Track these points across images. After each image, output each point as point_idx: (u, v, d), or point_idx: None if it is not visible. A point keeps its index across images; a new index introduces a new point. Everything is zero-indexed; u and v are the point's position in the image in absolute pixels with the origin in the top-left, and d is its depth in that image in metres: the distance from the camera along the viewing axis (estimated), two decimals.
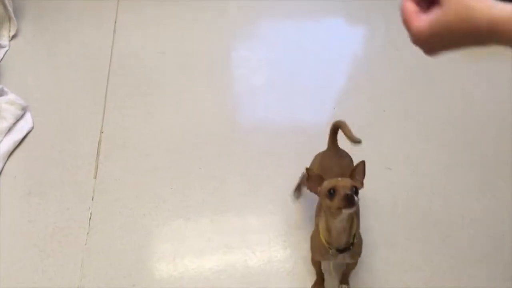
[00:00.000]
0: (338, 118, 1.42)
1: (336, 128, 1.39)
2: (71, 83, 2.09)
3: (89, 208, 1.66)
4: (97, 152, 1.82)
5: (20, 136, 1.84)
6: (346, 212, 1.09)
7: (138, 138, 1.88)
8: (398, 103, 1.97)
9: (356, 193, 1.09)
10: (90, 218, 1.63)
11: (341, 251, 1.19)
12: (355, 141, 1.31)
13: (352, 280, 1.46)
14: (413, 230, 1.61)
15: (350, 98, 2.01)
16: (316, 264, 1.39)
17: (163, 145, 1.85)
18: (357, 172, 1.17)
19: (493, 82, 2.11)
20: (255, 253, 1.54)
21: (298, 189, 1.64)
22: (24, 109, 1.91)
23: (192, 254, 1.55)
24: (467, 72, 2.12)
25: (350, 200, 1.05)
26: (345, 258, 1.24)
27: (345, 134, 1.34)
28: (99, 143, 1.85)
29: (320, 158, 1.43)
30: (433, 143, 1.87)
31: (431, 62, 2.04)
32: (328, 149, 1.44)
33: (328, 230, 1.17)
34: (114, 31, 2.31)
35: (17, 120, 1.88)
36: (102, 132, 1.89)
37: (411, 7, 0.66)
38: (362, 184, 1.18)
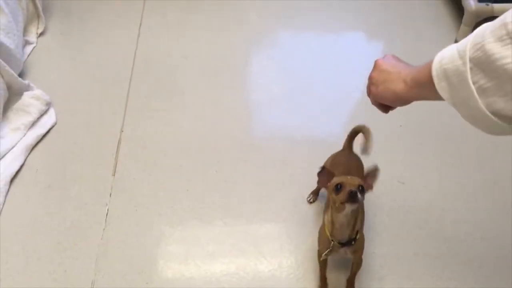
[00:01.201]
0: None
1: (356, 132, 1.47)
2: (94, 82, 2.14)
3: (107, 204, 1.70)
4: (117, 151, 1.86)
5: (43, 131, 1.89)
6: (349, 207, 1.16)
7: (157, 139, 1.92)
8: (415, 119, 1.99)
9: (362, 192, 1.16)
10: (107, 214, 1.67)
11: (343, 244, 1.26)
12: (367, 150, 1.39)
13: None
14: (423, 245, 1.62)
15: (367, 111, 2.02)
16: (322, 265, 1.42)
17: (181, 147, 1.89)
18: (370, 175, 1.23)
19: None
20: (266, 258, 1.57)
21: (315, 193, 1.69)
22: (48, 105, 1.97)
23: (204, 256, 1.58)
24: None
25: (354, 196, 1.12)
26: (346, 252, 1.30)
27: (365, 138, 1.42)
28: (119, 142, 1.89)
29: (333, 156, 1.52)
30: (447, 159, 1.89)
31: None
32: (343, 149, 1.52)
33: (332, 223, 1.24)
34: (139, 34, 2.36)
35: (41, 115, 1.93)
36: (123, 131, 1.93)
37: None
38: (371, 187, 1.23)
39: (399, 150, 1.92)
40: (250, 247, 1.60)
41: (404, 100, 0.84)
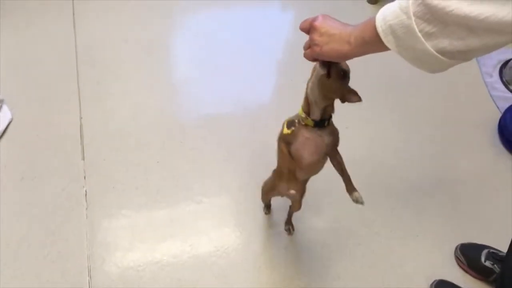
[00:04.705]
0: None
1: None
2: (41, 76, 2.15)
3: (83, 186, 1.79)
4: (81, 136, 1.93)
5: (2, 127, 1.91)
6: (318, 69, 1.12)
7: (117, 120, 2.01)
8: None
9: (344, 76, 1.12)
10: (86, 195, 1.76)
11: (316, 124, 1.23)
12: None
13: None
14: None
15: (296, 70, 2.24)
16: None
17: (142, 124, 2.00)
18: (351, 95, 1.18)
19: None
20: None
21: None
22: (1, 102, 1.98)
23: (185, 217, 1.74)
24: None
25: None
26: (322, 136, 1.25)
27: None
28: (80, 128, 1.96)
29: None
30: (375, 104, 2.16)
31: None
32: None
33: (305, 99, 1.23)
34: (74, 23, 2.38)
35: None
36: (82, 118, 2.00)
37: None
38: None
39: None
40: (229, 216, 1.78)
41: (349, 58, 0.97)
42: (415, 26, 0.76)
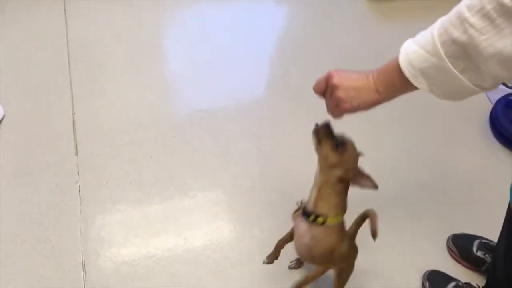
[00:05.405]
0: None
1: (364, 217, 1.31)
2: (34, 71, 2.14)
3: (77, 182, 1.79)
4: (74, 132, 1.93)
5: None
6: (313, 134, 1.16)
7: (111, 114, 2.00)
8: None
9: (342, 145, 1.15)
10: (79, 191, 1.77)
11: (304, 212, 1.22)
12: (375, 234, 1.25)
13: None
14: None
15: (285, 65, 2.25)
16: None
17: (135, 119, 1.99)
18: (366, 182, 1.18)
19: None
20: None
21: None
22: None
23: (180, 211, 1.74)
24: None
25: (321, 126, 1.13)
26: (306, 234, 1.22)
27: (372, 222, 1.26)
28: (73, 124, 1.96)
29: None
30: None
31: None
32: (348, 234, 1.34)
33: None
34: (66, 18, 2.37)
35: None
36: (74, 114, 2.00)
37: None
38: (360, 183, 1.18)
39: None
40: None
41: (379, 104, 0.96)
42: (451, 66, 0.77)
